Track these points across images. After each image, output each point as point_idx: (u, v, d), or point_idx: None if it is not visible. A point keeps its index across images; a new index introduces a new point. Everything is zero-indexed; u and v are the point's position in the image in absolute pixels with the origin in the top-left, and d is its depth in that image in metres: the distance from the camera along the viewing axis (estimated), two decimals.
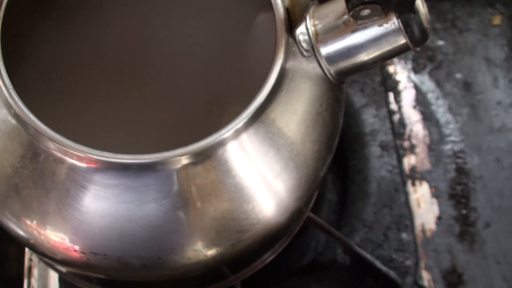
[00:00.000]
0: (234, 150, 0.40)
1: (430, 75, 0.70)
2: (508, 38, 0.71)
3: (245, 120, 0.39)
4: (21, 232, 0.44)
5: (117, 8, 0.51)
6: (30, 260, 0.64)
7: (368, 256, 0.56)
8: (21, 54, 0.49)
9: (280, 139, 0.41)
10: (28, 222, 0.43)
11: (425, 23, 0.42)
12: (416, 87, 0.69)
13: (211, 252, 0.42)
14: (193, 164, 0.39)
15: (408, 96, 0.69)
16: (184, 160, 0.39)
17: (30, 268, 0.64)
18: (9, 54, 0.42)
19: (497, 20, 0.72)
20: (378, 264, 0.56)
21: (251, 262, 0.53)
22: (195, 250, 0.41)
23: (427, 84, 0.70)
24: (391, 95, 0.68)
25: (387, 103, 0.67)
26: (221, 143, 0.39)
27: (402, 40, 0.42)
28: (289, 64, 0.41)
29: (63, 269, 0.54)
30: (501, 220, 0.64)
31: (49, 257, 0.46)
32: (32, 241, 0.44)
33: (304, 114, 0.42)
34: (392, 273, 0.56)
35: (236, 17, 0.50)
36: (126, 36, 0.51)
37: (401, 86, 0.69)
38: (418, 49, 0.44)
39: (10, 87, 0.41)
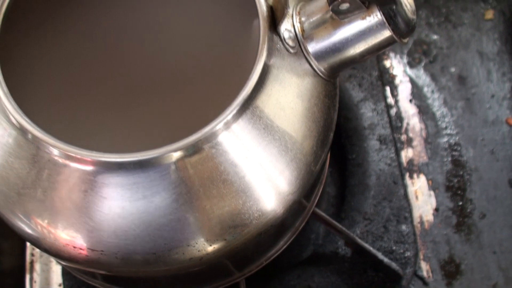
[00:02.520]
0: (226, 142, 0.40)
1: (425, 69, 0.71)
2: (500, 32, 0.72)
3: (233, 112, 0.39)
4: (27, 230, 0.44)
5: (110, 9, 0.51)
6: (32, 255, 0.64)
7: (370, 248, 0.57)
8: (16, 59, 0.49)
9: (269, 133, 0.42)
10: (34, 221, 0.44)
11: (409, 14, 0.42)
12: (412, 81, 0.70)
13: (206, 247, 0.42)
14: (186, 157, 0.39)
15: (404, 90, 0.70)
16: (178, 154, 0.39)
17: (32, 263, 0.64)
18: (5, 60, 0.42)
19: (489, 14, 0.73)
20: (380, 255, 0.57)
21: (256, 259, 0.53)
22: (188, 246, 0.42)
23: (423, 78, 0.71)
24: (388, 89, 0.69)
25: (385, 97, 0.67)
26: (213, 135, 0.39)
27: (387, 33, 0.42)
28: (274, 60, 0.42)
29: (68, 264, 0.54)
30: (496, 211, 0.65)
31: (52, 254, 0.46)
32: (36, 239, 0.44)
33: (292, 109, 0.43)
34: (394, 265, 0.57)
35: (224, 16, 0.50)
36: (118, 34, 0.51)
37: (397, 80, 0.70)
38: (405, 41, 0.43)
39: (9, 96, 0.41)
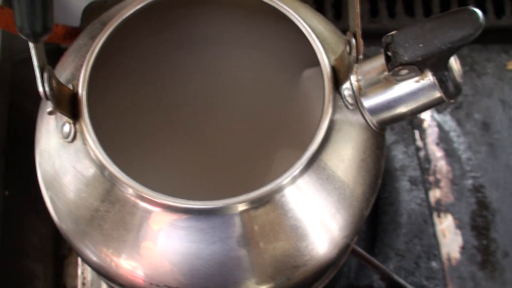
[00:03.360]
0: (291, 195, 0.44)
1: (451, 115, 0.76)
2: None
3: (300, 168, 0.43)
4: (97, 261, 0.47)
5: (181, 56, 0.56)
6: (83, 284, 0.68)
7: (407, 285, 0.62)
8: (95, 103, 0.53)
9: (330, 183, 0.45)
10: (108, 255, 0.47)
11: (458, 78, 0.47)
12: (439, 126, 0.76)
13: (272, 285, 0.46)
14: (254, 208, 0.43)
15: (432, 134, 0.75)
16: (246, 205, 0.43)
17: None
18: (92, 102, 0.46)
19: (511, 65, 0.78)
20: None
21: None
22: (255, 284, 0.46)
23: (449, 123, 0.76)
24: (417, 133, 0.74)
25: (414, 141, 0.72)
26: (280, 189, 0.43)
27: (437, 94, 0.46)
28: (336, 116, 0.46)
29: None
30: None
31: (119, 284, 0.50)
32: (107, 271, 0.47)
33: (351, 161, 0.47)
34: None
35: (290, 69, 0.55)
36: (189, 83, 0.56)
37: (425, 125, 0.75)
38: (452, 101, 0.48)
39: (92, 133, 0.45)
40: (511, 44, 0.79)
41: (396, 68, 0.45)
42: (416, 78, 0.46)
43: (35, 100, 0.84)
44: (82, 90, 0.45)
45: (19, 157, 0.77)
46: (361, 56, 0.43)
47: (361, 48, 0.43)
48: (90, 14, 0.71)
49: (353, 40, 0.43)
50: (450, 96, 0.47)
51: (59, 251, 0.77)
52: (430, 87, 0.46)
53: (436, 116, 0.76)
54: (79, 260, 0.70)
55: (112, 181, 0.44)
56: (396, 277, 0.62)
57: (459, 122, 0.76)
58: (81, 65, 0.46)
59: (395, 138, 0.72)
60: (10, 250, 0.71)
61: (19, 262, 0.73)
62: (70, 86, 0.46)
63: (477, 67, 0.79)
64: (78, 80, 0.45)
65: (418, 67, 0.45)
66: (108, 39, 0.47)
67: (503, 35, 0.80)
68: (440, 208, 0.71)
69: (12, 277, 0.71)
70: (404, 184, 0.69)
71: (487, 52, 0.79)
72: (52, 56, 0.84)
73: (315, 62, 0.48)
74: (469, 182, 0.73)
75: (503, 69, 0.78)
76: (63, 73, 0.48)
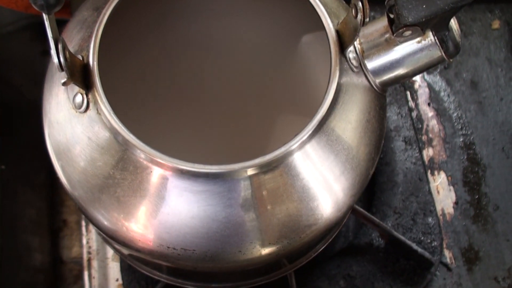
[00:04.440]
0: (300, 158, 0.45)
1: (441, 75, 0.78)
2: (506, 40, 0.79)
3: (309, 132, 0.45)
4: (109, 226, 0.48)
5: (187, 26, 0.56)
6: (89, 253, 0.69)
7: (406, 240, 0.64)
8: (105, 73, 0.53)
9: (338, 145, 0.47)
10: (121, 220, 0.48)
11: (457, 38, 0.49)
12: (430, 86, 0.77)
13: (283, 245, 0.48)
14: (266, 172, 0.45)
15: (423, 94, 0.77)
16: (259, 169, 0.44)
17: (89, 260, 0.68)
18: (104, 74, 0.46)
19: (496, 24, 0.80)
20: (414, 246, 0.64)
21: (307, 252, 0.59)
22: (269, 243, 0.47)
23: (439, 83, 0.78)
24: (408, 94, 0.76)
25: (407, 102, 0.74)
26: (289, 154, 0.44)
27: (438, 54, 0.48)
28: (343, 80, 0.47)
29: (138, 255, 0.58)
30: (508, 203, 0.73)
31: (135, 249, 0.50)
32: (113, 231, 0.48)
33: (357, 122, 0.48)
34: (426, 254, 0.64)
35: (291, 36, 0.56)
36: (196, 52, 0.57)
37: (416, 86, 0.77)
38: (451, 60, 0.50)
39: (106, 102, 0.45)
40: (496, 3, 0.81)
41: (400, 29, 0.46)
42: (418, 39, 0.48)
43: (25, 75, 0.84)
44: (93, 61, 0.45)
45: (13, 131, 0.77)
46: (367, 19, 0.44)
47: (367, 10, 0.44)
48: None
49: (359, 3, 0.44)
50: (450, 55, 0.49)
51: (54, 224, 0.77)
52: (431, 47, 0.48)
53: (426, 77, 0.78)
54: (84, 229, 0.71)
55: (128, 148, 0.44)
56: (396, 233, 0.64)
57: (448, 82, 0.77)
58: (89, 36, 0.46)
59: (388, 100, 0.73)
60: (8, 223, 0.72)
61: (16, 235, 0.74)
62: (80, 57, 0.46)
63: (463, 27, 0.80)
64: (88, 51, 0.46)
65: (421, 27, 0.46)
66: (114, 10, 0.47)
67: None
68: (433, 166, 0.73)
69: (10, 250, 0.71)
70: (399, 144, 0.71)
71: (472, 12, 0.81)
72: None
73: (317, 28, 0.49)
74: (460, 140, 0.75)
75: (488, 29, 0.80)
76: (69, 45, 0.48)
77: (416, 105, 0.76)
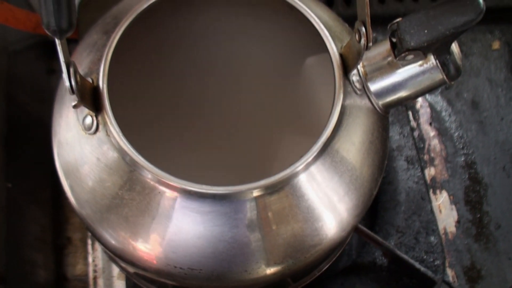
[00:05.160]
0: (305, 180, 0.46)
1: (442, 95, 0.79)
2: (506, 61, 0.81)
3: (314, 154, 0.45)
4: (116, 245, 0.49)
5: (194, 50, 0.57)
6: (95, 271, 0.69)
7: (409, 259, 0.65)
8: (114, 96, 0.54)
9: (342, 166, 0.48)
10: (128, 239, 0.48)
11: (458, 61, 0.50)
12: (431, 106, 0.78)
13: (288, 264, 0.48)
14: (271, 193, 0.45)
15: (424, 114, 0.78)
16: (264, 190, 0.45)
17: (95, 279, 0.69)
18: (113, 93, 0.47)
19: (496, 45, 0.81)
20: (417, 265, 0.65)
21: (311, 271, 0.60)
22: (275, 263, 0.48)
23: (440, 103, 0.79)
24: (410, 114, 0.77)
25: (409, 121, 0.75)
26: (294, 175, 0.45)
27: (439, 77, 0.49)
28: (347, 102, 0.48)
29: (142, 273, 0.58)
30: (510, 221, 0.74)
31: (142, 268, 0.51)
32: (128, 254, 0.49)
33: (361, 143, 0.49)
34: (429, 272, 0.64)
35: (295, 58, 0.57)
36: (203, 75, 0.58)
37: (418, 105, 0.78)
38: (453, 83, 0.51)
39: (114, 121, 0.46)
40: (495, 24, 0.82)
41: (402, 53, 0.47)
42: (420, 62, 0.49)
43: (30, 93, 0.85)
44: (103, 84, 0.46)
45: (19, 149, 0.78)
46: (370, 44, 0.45)
47: (371, 36, 0.45)
48: (85, 7, 0.72)
49: (363, 29, 0.45)
50: (451, 78, 0.50)
51: (58, 241, 0.78)
52: (433, 70, 0.49)
53: (428, 97, 0.79)
54: (89, 248, 0.72)
55: (137, 170, 0.45)
56: (398, 252, 0.64)
57: (449, 102, 0.79)
58: (99, 59, 0.47)
59: (391, 120, 0.74)
60: (13, 240, 0.72)
61: (21, 252, 0.74)
62: (90, 80, 0.47)
63: (464, 48, 0.82)
64: (97, 74, 0.47)
65: (422, 52, 0.47)
66: (123, 34, 0.48)
67: (487, 15, 0.82)
68: (435, 185, 0.74)
69: (15, 266, 0.72)
70: (401, 163, 0.72)
71: (473, 33, 0.82)
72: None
73: (321, 50, 0.50)
74: (462, 159, 0.76)
75: (488, 49, 0.81)
76: (79, 67, 0.49)
77: (418, 124, 0.77)
